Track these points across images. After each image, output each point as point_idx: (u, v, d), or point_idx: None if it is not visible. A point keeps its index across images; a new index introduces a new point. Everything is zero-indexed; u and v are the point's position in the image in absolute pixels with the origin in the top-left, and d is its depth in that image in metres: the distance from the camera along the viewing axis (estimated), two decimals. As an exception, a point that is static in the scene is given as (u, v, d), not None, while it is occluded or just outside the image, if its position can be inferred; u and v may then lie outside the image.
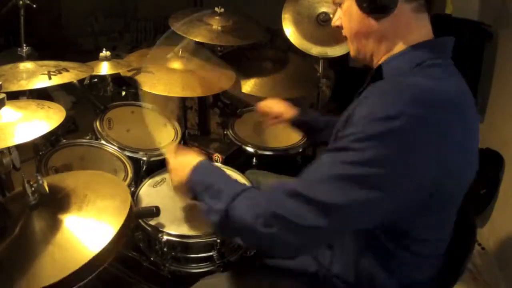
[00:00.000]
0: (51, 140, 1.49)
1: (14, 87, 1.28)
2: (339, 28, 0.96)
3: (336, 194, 0.74)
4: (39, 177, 0.95)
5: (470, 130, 0.82)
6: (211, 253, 1.27)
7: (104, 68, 1.65)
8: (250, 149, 1.72)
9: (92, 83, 1.69)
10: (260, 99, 1.59)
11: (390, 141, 0.72)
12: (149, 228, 1.28)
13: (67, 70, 1.40)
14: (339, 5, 0.94)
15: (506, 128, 2.05)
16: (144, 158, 1.55)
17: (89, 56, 1.74)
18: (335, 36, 1.83)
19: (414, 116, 0.72)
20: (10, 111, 1.02)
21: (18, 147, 1.05)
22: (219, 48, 2.09)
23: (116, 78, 1.75)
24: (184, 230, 1.26)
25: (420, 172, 0.74)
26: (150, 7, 3.94)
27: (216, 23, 1.91)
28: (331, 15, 1.81)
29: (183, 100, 2.34)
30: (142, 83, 1.70)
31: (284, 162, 1.77)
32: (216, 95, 2.27)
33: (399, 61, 0.86)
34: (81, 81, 1.58)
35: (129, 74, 1.73)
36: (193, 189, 0.96)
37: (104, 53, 1.66)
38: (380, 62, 0.90)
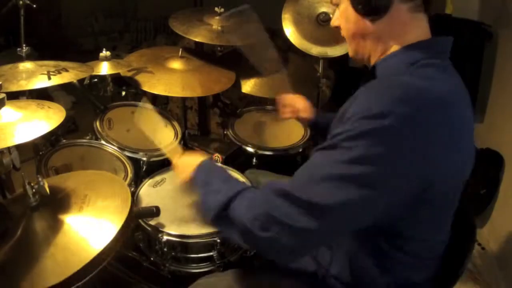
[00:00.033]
0: (51, 140, 1.49)
1: (14, 87, 1.28)
2: (338, 28, 0.97)
3: (328, 194, 0.74)
4: (39, 179, 0.95)
5: (463, 130, 0.82)
6: (211, 253, 1.27)
7: (104, 68, 1.65)
8: (250, 149, 1.72)
9: (92, 83, 1.69)
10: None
11: (379, 139, 0.72)
12: (149, 228, 1.28)
13: (67, 70, 1.40)
14: (337, 5, 0.94)
15: (506, 128, 2.05)
16: (144, 158, 1.55)
17: (89, 56, 1.74)
18: (335, 36, 1.83)
19: (403, 115, 0.72)
20: (10, 111, 1.03)
21: (18, 147, 1.05)
22: (219, 48, 2.09)
23: (116, 78, 1.75)
24: (184, 230, 1.27)
25: (409, 171, 0.74)
26: (150, 7, 3.95)
27: (216, 23, 1.91)
28: (331, 15, 1.81)
29: (183, 100, 2.34)
30: (142, 83, 1.70)
31: (284, 162, 1.77)
32: (216, 95, 2.27)
33: (392, 61, 0.86)
34: (81, 81, 1.58)
35: (129, 74, 1.73)
36: (195, 187, 0.97)
37: (104, 53, 1.66)
38: (376, 62, 0.90)
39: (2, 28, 3.02)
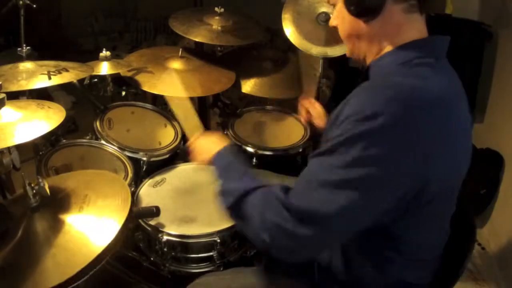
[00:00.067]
0: (51, 140, 1.49)
1: (14, 87, 1.28)
2: (336, 28, 0.97)
3: (327, 201, 0.75)
4: (40, 179, 0.95)
5: (458, 129, 0.82)
6: (211, 253, 1.27)
7: (104, 68, 1.64)
8: (250, 149, 1.72)
9: (92, 83, 1.69)
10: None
11: (373, 141, 0.72)
12: (149, 228, 1.28)
13: (67, 70, 1.40)
14: (334, 6, 0.95)
15: (506, 128, 2.05)
16: (144, 158, 1.55)
17: (89, 56, 1.74)
18: (335, 36, 1.82)
19: (394, 115, 0.72)
20: (10, 111, 1.03)
21: (18, 147, 1.05)
22: (219, 48, 2.09)
23: (116, 78, 1.75)
24: (184, 230, 1.27)
25: (405, 171, 0.74)
26: (150, 7, 3.94)
27: (216, 23, 1.91)
28: (331, 15, 1.81)
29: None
30: (142, 83, 1.70)
31: (284, 162, 1.77)
32: (216, 95, 2.27)
33: (385, 61, 0.86)
34: (81, 81, 1.58)
35: (129, 74, 1.73)
36: (214, 173, 0.98)
37: (104, 53, 1.66)
38: (370, 63, 0.91)
39: (2, 28, 3.01)
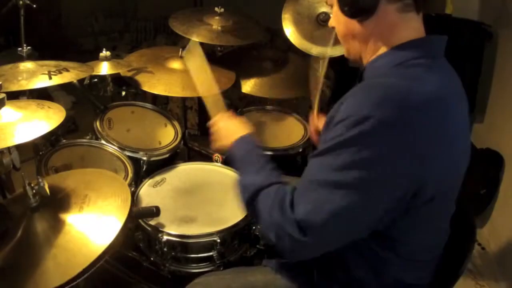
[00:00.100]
0: (51, 140, 1.49)
1: (14, 87, 1.28)
2: (335, 29, 0.97)
3: (325, 201, 0.76)
4: (40, 180, 0.95)
5: (456, 130, 0.81)
6: (211, 253, 1.27)
7: (104, 68, 1.65)
8: (250, 149, 1.72)
9: (92, 83, 1.69)
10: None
11: (365, 144, 0.73)
12: (149, 228, 1.28)
13: (67, 70, 1.40)
14: (331, 6, 0.95)
15: (506, 128, 2.05)
16: (144, 158, 1.55)
17: (89, 56, 1.74)
18: (335, 36, 1.83)
19: (383, 118, 0.72)
20: (10, 111, 1.02)
21: (18, 147, 1.05)
22: (219, 48, 2.09)
23: (116, 78, 1.75)
24: (184, 230, 1.27)
25: (398, 173, 0.75)
26: (150, 7, 3.94)
27: (216, 23, 1.91)
28: (331, 15, 1.81)
29: (183, 100, 2.34)
30: (142, 83, 1.70)
31: (284, 162, 1.76)
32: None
33: (380, 62, 0.86)
34: (81, 81, 1.58)
35: (129, 74, 1.73)
36: (233, 161, 1.00)
37: (104, 53, 1.66)
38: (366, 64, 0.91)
39: (2, 28, 3.01)
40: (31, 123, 1.01)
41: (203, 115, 2.48)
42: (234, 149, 1.00)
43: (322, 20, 1.86)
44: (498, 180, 2.02)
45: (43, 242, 0.91)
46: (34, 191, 0.94)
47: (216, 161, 1.66)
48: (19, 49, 1.53)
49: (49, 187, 0.96)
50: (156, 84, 1.70)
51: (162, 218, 1.28)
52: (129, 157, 1.53)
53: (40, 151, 1.47)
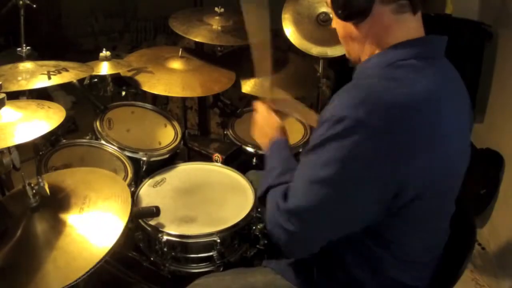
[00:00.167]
0: (51, 140, 1.49)
1: (14, 87, 1.28)
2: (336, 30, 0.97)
3: (306, 195, 0.80)
4: (40, 180, 0.95)
5: (443, 131, 0.80)
6: (211, 253, 1.27)
7: (104, 68, 1.65)
8: (250, 149, 1.72)
9: (92, 83, 1.69)
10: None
11: (340, 143, 0.75)
12: (149, 228, 1.28)
13: (67, 70, 1.40)
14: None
15: (506, 128, 2.05)
16: (144, 158, 1.55)
17: (89, 56, 1.74)
18: (335, 36, 1.83)
19: (356, 119, 0.74)
20: (10, 111, 1.02)
21: (18, 147, 1.05)
22: (219, 48, 2.09)
23: (116, 78, 1.75)
24: (184, 230, 1.27)
25: (368, 173, 0.76)
26: (150, 7, 3.94)
27: (216, 23, 1.91)
28: (331, 15, 1.81)
29: (183, 100, 2.34)
30: (142, 83, 1.70)
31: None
32: (216, 95, 2.26)
33: (370, 63, 0.86)
34: (81, 81, 1.58)
35: (129, 74, 1.73)
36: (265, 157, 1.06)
37: (104, 53, 1.66)
38: None
39: (2, 28, 3.01)
40: (31, 123, 1.01)
41: (203, 115, 2.49)
42: (272, 150, 1.07)
43: (322, 20, 1.87)
44: (498, 180, 2.02)
45: (43, 243, 0.91)
46: (34, 191, 0.94)
47: (216, 161, 1.66)
48: (19, 49, 1.53)
49: (49, 187, 0.96)
50: (156, 84, 1.70)
51: (162, 218, 1.28)
52: (129, 157, 1.53)
53: (40, 151, 1.47)
